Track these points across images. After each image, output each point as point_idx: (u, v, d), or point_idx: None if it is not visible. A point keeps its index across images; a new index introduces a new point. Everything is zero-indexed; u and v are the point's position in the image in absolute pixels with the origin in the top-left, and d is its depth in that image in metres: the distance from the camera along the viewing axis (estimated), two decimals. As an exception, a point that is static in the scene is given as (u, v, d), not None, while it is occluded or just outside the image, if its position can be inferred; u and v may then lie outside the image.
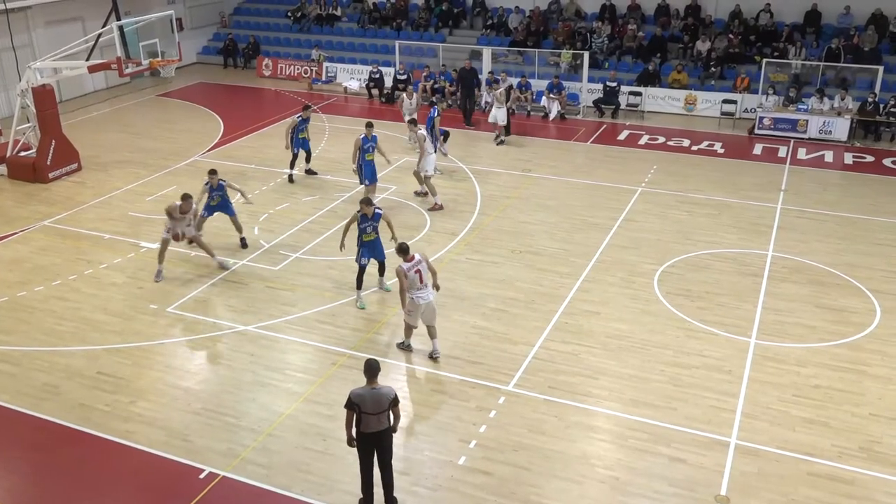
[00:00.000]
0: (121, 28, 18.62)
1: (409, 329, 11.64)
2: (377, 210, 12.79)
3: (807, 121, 22.20)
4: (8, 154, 19.15)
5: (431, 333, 11.57)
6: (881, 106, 22.13)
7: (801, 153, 21.06)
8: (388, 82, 26.54)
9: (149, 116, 24.67)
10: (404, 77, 25.90)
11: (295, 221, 16.28)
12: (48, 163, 18.74)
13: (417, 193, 17.53)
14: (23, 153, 19.25)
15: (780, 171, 19.59)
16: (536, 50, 26.68)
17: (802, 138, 22.09)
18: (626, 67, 26.15)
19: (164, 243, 13.83)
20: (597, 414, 10.41)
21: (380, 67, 26.64)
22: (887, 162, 20.37)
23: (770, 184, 18.55)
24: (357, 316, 12.72)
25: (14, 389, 10.93)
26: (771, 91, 23.19)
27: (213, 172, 14.78)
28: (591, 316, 12.73)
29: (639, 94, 24.74)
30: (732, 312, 12.81)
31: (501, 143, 21.63)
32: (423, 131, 17.06)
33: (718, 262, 14.61)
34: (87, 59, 20.44)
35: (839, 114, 22.16)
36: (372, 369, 8.34)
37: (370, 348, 11.74)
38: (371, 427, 8.26)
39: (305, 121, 18.40)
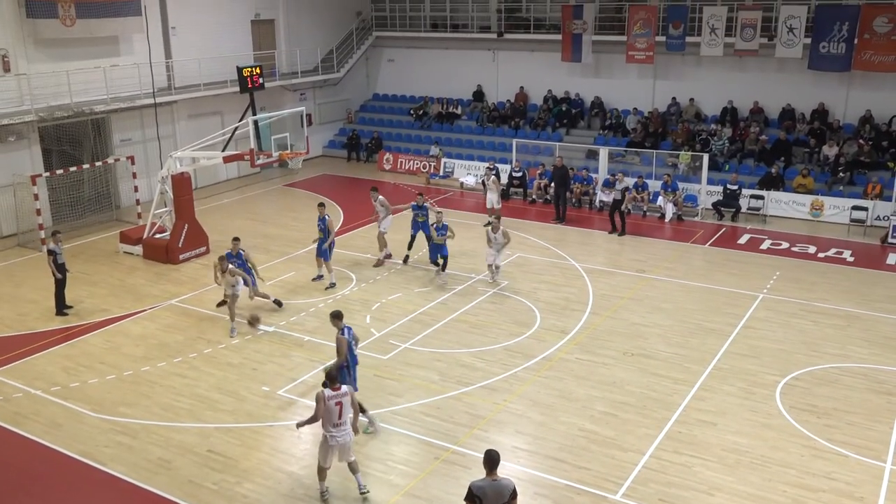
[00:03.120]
0: (255, 122, 19.90)
1: (321, 471, 10.31)
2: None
3: (946, 230, 20.91)
4: (145, 235, 20.48)
5: (352, 468, 10.37)
6: None
7: (941, 265, 19.78)
8: (504, 178, 26.96)
9: (275, 205, 25.95)
10: (520, 174, 26.27)
11: (406, 311, 16.47)
12: (180, 245, 19.89)
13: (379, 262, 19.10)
14: (157, 235, 20.53)
15: (916, 283, 18.42)
16: (654, 151, 26.58)
17: (941, 249, 20.77)
18: (747, 170, 25.61)
19: (233, 299, 15.51)
20: (712, 533, 9.75)
21: (496, 164, 27.16)
22: None
23: (905, 295, 17.44)
24: (463, 411, 12.57)
25: (130, 461, 11.32)
26: (907, 199, 22.04)
27: (236, 240, 16.60)
28: (707, 426, 12.09)
29: (761, 197, 24.07)
30: (865, 433, 11.87)
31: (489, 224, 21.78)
32: (382, 197, 19.48)
33: (848, 377, 13.68)
34: (223, 150, 21.87)
35: (983, 224, 20.79)
36: (492, 460, 8.14)
37: (474, 444, 11.53)
38: (491, 520, 7.98)
39: (420, 208, 19.13)
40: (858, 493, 10.42)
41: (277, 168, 28.16)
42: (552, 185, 24.54)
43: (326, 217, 17.99)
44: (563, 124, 29.96)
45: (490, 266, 17.96)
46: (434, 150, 29.96)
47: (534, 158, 27.42)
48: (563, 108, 30.26)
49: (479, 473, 10.39)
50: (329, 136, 34.04)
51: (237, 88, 25.01)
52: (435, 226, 18.09)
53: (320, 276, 18.20)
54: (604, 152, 26.17)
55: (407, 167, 30.41)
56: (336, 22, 33.34)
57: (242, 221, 23.72)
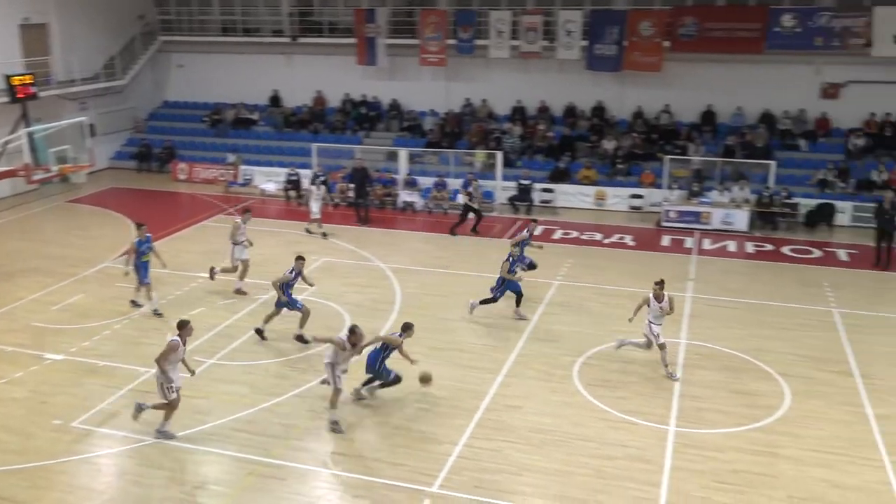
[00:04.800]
0: (30, 135, 18.34)
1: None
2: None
3: (709, 213, 23.36)
4: None
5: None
6: (775, 198, 23.50)
7: (706, 244, 22.04)
8: (305, 184, 26.69)
9: (57, 223, 24.02)
10: (322, 178, 26.13)
11: (211, 326, 15.88)
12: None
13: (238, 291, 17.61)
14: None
15: (687, 262, 20.40)
16: (451, 150, 27.47)
17: (707, 229, 23.16)
18: (537, 165, 27.12)
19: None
20: (523, 512, 10.26)
21: (297, 170, 26.84)
22: (785, 250, 21.48)
23: (679, 274, 19.23)
24: (276, 422, 12.34)
25: None
26: (675, 186, 24.39)
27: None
28: (514, 411, 12.70)
29: (551, 190, 25.62)
30: (651, 401, 13.00)
31: (322, 235, 22.10)
32: (239, 220, 17.81)
33: (636, 351, 14.87)
34: (-7, 167, 19.97)
35: (738, 206, 23.43)
36: None
37: (289, 455, 11.36)
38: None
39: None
40: (648, 456, 11.39)
41: (59, 183, 26.06)
42: (353, 187, 24.62)
43: (150, 237, 16.80)
44: (362, 127, 30.18)
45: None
46: (231, 157, 29.08)
47: (335, 162, 27.40)
48: (362, 111, 30.48)
49: (296, 484, 10.31)
50: (116, 146, 32.01)
51: (6, 99, 22.88)
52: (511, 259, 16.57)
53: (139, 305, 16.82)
54: (403, 153, 26.70)
55: (203, 177, 29.27)
56: (117, 26, 31.34)
57: (18, 243, 21.72)
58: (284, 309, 15.15)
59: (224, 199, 26.54)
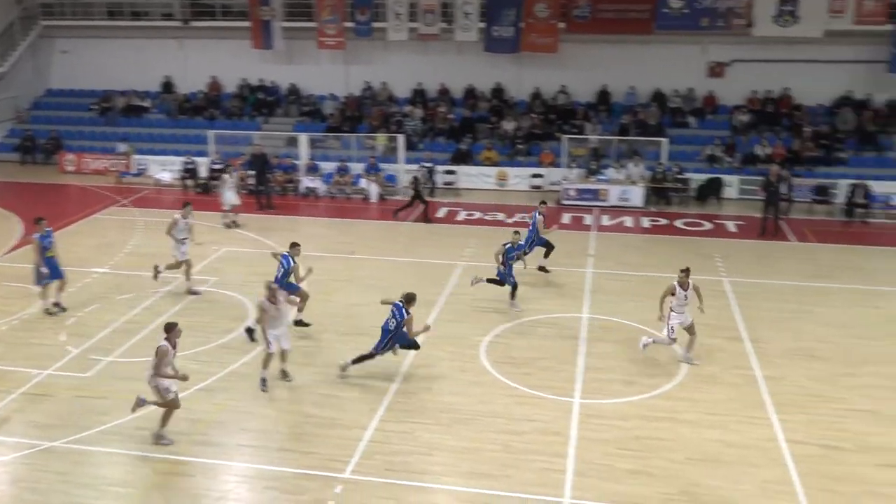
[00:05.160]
0: None
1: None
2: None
3: (607, 190, 24.07)
4: None
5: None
6: (668, 174, 24.40)
7: (605, 220, 22.72)
8: (203, 172, 25.99)
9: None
10: (221, 167, 25.48)
11: (107, 322, 15.28)
12: None
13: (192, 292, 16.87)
14: None
15: (587, 238, 20.97)
16: (353, 135, 27.25)
17: (604, 206, 23.87)
18: (439, 148, 27.24)
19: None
20: (435, 491, 10.39)
21: (193, 158, 26.07)
22: (679, 223, 22.36)
23: (580, 250, 19.76)
24: (181, 417, 12.01)
25: None
26: (573, 164, 24.99)
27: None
28: (424, 392, 12.80)
29: (454, 172, 25.80)
30: (556, 375, 13.34)
31: (234, 225, 21.67)
32: (178, 215, 16.86)
33: (540, 327, 15.25)
34: None
35: (634, 182, 24.22)
36: None
37: (195, 451, 11.12)
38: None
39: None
40: (555, 429, 11.70)
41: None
42: (253, 174, 24.12)
43: (50, 230, 15.83)
44: (260, 113, 29.55)
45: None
46: (123, 146, 27.96)
47: (233, 149, 26.73)
48: (259, 97, 29.84)
49: (204, 480, 10.12)
50: (-4, 138, 30.31)
51: None
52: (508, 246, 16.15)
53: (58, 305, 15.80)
54: (304, 138, 26.33)
55: (94, 167, 28.08)
56: (-9, 10, 29.58)
57: None
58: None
59: (116, 191, 25.53)
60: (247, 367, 13.57)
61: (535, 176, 25.71)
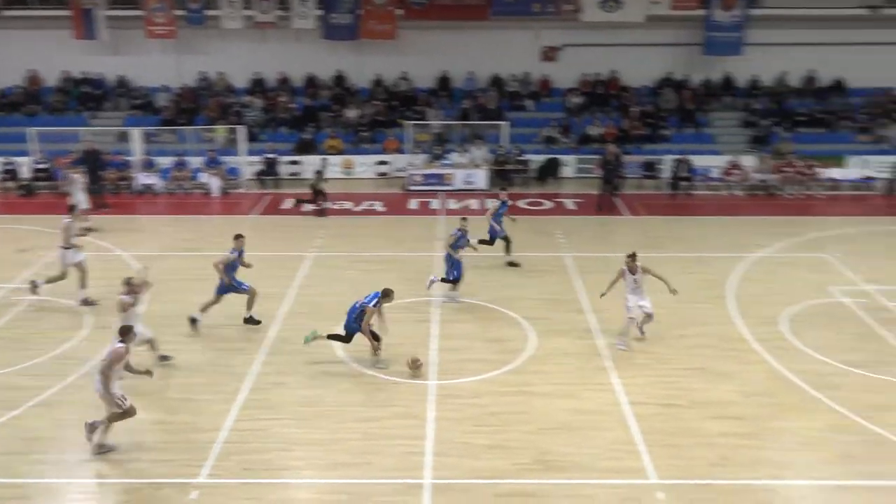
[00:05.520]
0: None
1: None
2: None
3: (452, 174, 24.56)
4: None
5: None
6: (509, 156, 25.20)
7: (451, 203, 23.18)
8: (26, 173, 24.19)
9: None
10: (45, 166, 23.81)
11: (-78, 342, 13.98)
12: None
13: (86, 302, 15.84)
14: None
15: (435, 222, 21.32)
16: (190, 127, 26.22)
17: (450, 190, 24.33)
18: (282, 138, 26.74)
19: None
20: (296, 486, 10.29)
21: (13, 158, 24.19)
22: (521, 204, 23.15)
23: (428, 234, 20.05)
24: (16, 437, 11.19)
25: None
26: (418, 150, 25.28)
27: None
28: (279, 387, 12.61)
29: (298, 162, 25.41)
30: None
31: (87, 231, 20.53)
32: (68, 220, 15.77)
33: (395, 313, 15.27)
34: None
35: (477, 166, 24.83)
36: None
37: (36, 471, 10.42)
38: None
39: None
40: (413, 412, 11.86)
41: None
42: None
43: None
44: (86, 107, 27.82)
45: None
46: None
47: (58, 147, 24.97)
48: (84, 90, 28.07)
49: (44, 502, 9.54)
50: None
51: None
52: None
53: None
54: (136, 133, 25.08)
55: None
56: None
57: None
58: (229, 294, 14.42)
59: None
60: (86, 378, 12.80)
61: (380, 163, 25.80)
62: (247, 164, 24.99)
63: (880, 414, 11.71)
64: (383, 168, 25.72)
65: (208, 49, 28.34)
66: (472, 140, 26.01)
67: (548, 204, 23.32)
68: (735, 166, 24.75)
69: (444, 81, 28.51)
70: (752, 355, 13.67)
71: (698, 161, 25.07)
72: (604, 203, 22.57)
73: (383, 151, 26.20)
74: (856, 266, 17.69)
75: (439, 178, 24.58)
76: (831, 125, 27.31)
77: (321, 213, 21.84)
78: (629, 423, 11.55)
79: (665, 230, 20.93)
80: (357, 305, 13.22)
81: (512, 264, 17.87)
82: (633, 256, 13.89)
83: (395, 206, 22.77)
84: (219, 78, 28.49)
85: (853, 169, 25.28)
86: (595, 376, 12.97)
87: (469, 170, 24.75)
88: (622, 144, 25.58)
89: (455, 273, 15.86)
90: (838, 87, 28.36)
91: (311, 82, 28.59)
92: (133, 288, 12.57)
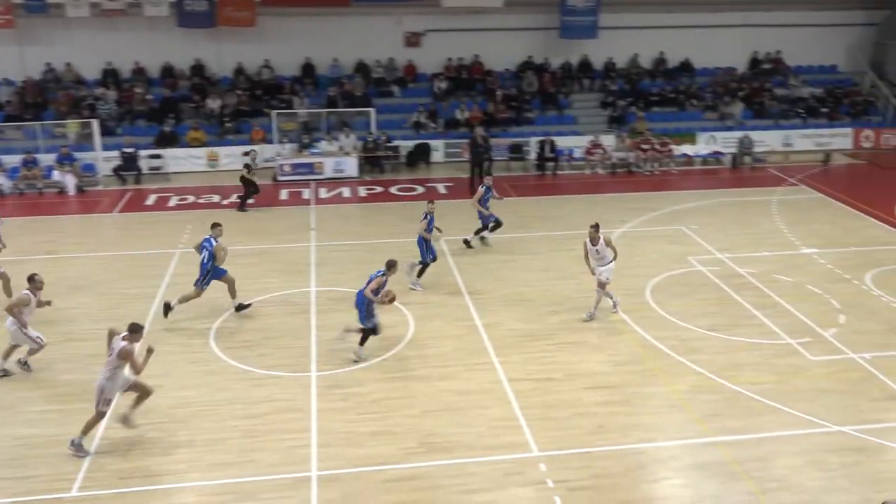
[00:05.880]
0: None
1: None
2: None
3: (322, 163, 24.28)
4: None
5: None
6: (378, 142, 25.16)
7: (323, 193, 22.94)
8: None
9: None
10: None
11: None
12: None
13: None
14: None
15: (307, 212, 21.04)
16: (38, 123, 24.59)
17: (321, 179, 24.05)
18: (141, 131, 25.58)
19: None
20: (179, 491, 9.97)
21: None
22: (393, 190, 23.25)
23: (300, 225, 19.78)
24: None
25: None
26: (285, 140, 24.80)
27: None
28: (155, 389, 12.10)
29: (159, 156, 24.38)
30: (291, 352, 13.35)
31: None
32: None
33: (269, 307, 15.10)
34: None
35: (347, 153, 24.66)
36: None
37: None
38: None
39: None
40: (296, 406, 11.74)
41: None
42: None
43: None
44: (-84, 104, 25.56)
45: None
46: None
47: None
48: (-88, 85, 25.78)
49: None
50: None
51: None
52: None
53: None
54: (-23, 131, 23.27)
55: None
56: None
57: None
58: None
59: None
60: (-63, 396, 11.90)
61: (247, 154, 25.04)
62: (103, 159, 23.72)
63: (737, 373, 12.62)
64: (248, 159, 25.02)
65: (53, 39, 26.64)
66: (341, 128, 25.79)
67: (419, 189, 23.49)
68: (596, 146, 25.76)
69: (308, 69, 28.07)
70: (621, 325, 14.37)
71: (561, 142, 25.94)
72: (476, 184, 22.93)
73: (249, 142, 25.51)
74: (710, 236, 18.89)
75: (309, 168, 24.24)
76: (682, 104, 28.91)
77: (242, 206, 21.16)
78: (510, 400, 11.89)
79: (534, 210, 21.56)
80: (361, 292, 13.00)
81: (468, 243, 18.20)
82: (596, 227, 14.24)
83: (265, 198, 22.22)
84: (67, 69, 26.84)
85: (703, 145, 26.91)
86: (474, 356, 13.25)
87: (339, 158, 24.55)
88: (489, 128, 26.07)
89: (430, 256, 16.11)
90: (686, 68, 30.04)
91: (169, 72, 27.44)
92: (34, 286, 12.70)
